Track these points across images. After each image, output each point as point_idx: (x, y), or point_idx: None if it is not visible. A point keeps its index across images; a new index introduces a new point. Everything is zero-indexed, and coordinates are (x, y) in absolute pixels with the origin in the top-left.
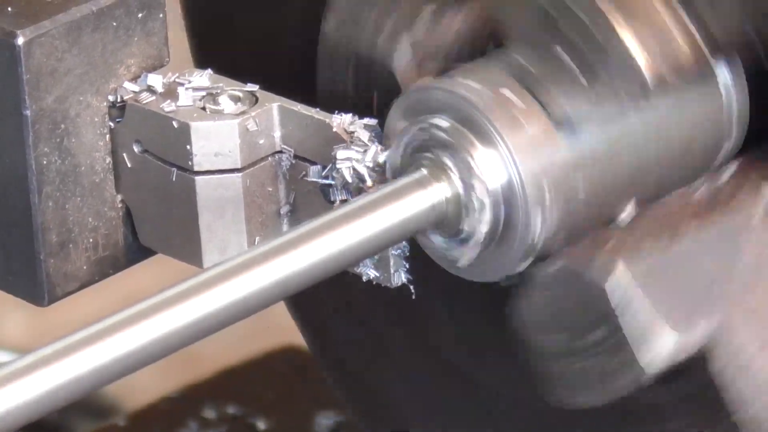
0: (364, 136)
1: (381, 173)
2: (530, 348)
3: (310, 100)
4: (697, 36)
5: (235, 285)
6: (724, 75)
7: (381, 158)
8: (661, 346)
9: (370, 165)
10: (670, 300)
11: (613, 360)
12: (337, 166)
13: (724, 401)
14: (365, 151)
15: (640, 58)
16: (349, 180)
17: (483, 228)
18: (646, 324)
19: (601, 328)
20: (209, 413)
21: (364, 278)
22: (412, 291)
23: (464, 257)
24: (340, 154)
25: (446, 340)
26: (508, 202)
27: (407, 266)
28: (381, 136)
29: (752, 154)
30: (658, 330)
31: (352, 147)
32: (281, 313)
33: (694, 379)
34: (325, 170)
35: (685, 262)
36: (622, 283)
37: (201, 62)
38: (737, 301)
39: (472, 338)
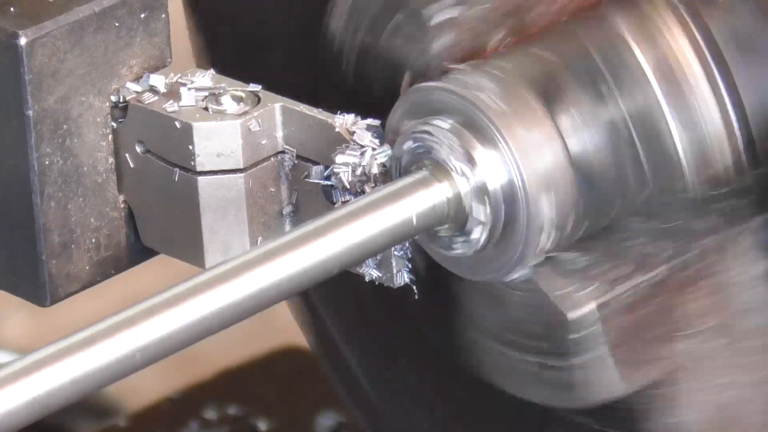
0: (363, 138)
1: (382, 174)
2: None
3: (310, 100)
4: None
5: (236, 285)
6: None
7: (379, 162)
8: (608, 386)
9: (368, 169)
10: (625, 344)
11: (556, 385)
12: (335, 170)
13: None
14: (362, 154)
15: (650, 71)
16: (347, 186)
17: (483, 228)
18: (598, 367)
19: (554, 351)
20: (210, 414)
21: (367, 278)
22: (415, 291)
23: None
24: (339, 158)
25: (447, 340)
26: (509, 203)
27: (410, 266)
28: (382, 136)
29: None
30: (607, 377)
31: (349, 151)
32: (282, 313)
33: None
34: (327, 171)
35: (648, 300)
36: (588, 321)
37: (206, 62)
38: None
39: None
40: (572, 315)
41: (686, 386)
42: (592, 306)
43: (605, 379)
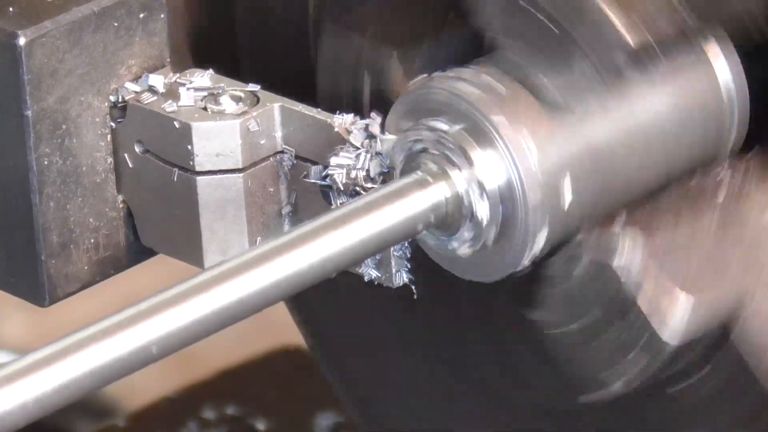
0: (359, 139)
1: (381, 174)
2: (549, 340)
3: (310, 100)
4: (681, 8)
5: (235, 285)
6: (716, 54)
7: (374, 166)
8: (678, 316)
9: (363, 173)
10: (682, 273)
11: (634, 339)
12: (330, 172)
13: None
14: (357, 156)
15: (623, 28)
16: (342, 188)
17: (482, 227)
18: (660, 295)
19: (618, 309)
20: (209, 414)
21: (366, 279)
22: (414, 291)
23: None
24: (333, 160)
25: (447, 340)
26: (507, 202)
27: (409, 266)
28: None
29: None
30: (673, 301)
31: (343, 153)
32: (281, 313)
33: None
34: (324, 172)
35: (696, 240)
36: (631, 260)
37: (201, 62)
38: (754, 273)
39: (473, 338)
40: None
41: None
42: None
43: (675, 313)
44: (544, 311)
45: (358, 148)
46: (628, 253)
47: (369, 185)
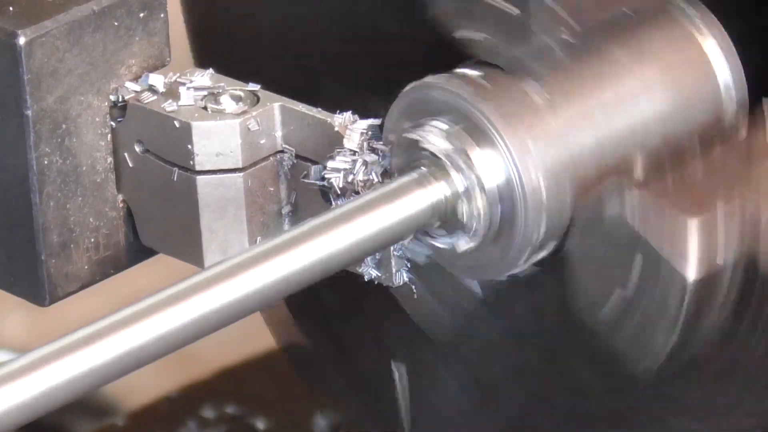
0: (355, 142)
1: (381, 174)
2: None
3: (310, 100)
4: None
5: (234, 284)
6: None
7: (371, 171)
8: (691, 247)
9: (360, 177)
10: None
11: (657, 282)
12: (326, 176)
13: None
14: (354, 161)
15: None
16: (339, 192)
17: (480, 226)
18: (673, 235)
19: (637, 258)
20: (208, 413)
21: (366, 278)
22: (414, 290)
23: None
24: (330, 164)
25: (448, 338)
26: (507, 201)
27: (409, 266)
28: (379, 138)
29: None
30: (686, 232)
31: (339, 157)
32: (280, 312)
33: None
34: (322, 172)
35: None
36: (637, 207)
37: (201, 62)
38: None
39: (474, 336)
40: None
41: None
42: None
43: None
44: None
45: (354, 152)
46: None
47: (367, 187)
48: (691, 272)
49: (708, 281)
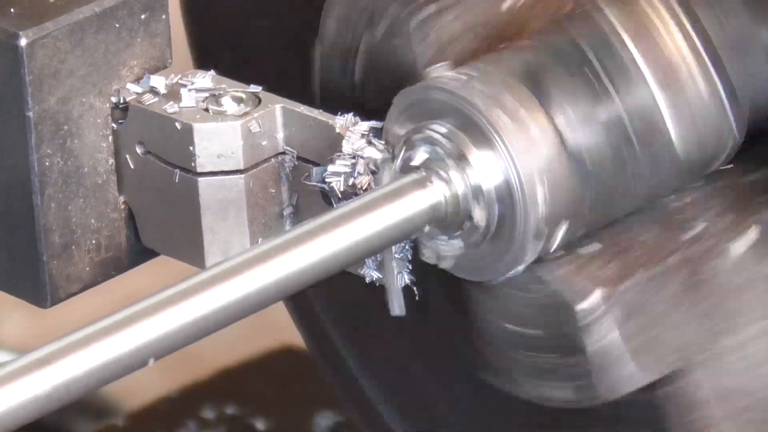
0: (354, 145)
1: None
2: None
3: (310, 101)
4: (699, 44)
5: (234, 284)
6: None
7: (371, 173)
8: (621, 378)
9: (359, 181)
10: (638, 333)
11: (572, 379)
12: (327, 180)
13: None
14: (354, 164)
15: (646, 67)
16: (339, 195)
17: (479, 225)
18: (610, 353)
19: (566, 347)
20: (208, 413)
21: (368, 280)
22: (415, 292)
23: (451, 253)
24: (330, 168)
25: (446, 339)
26: (506, 203)
27: (410, 268)
28: (379, 139)
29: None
30: (622, 364)
31: (339, 161)
32: (280, 313)
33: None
34: (323, 174)
35: (660, 293)
36: (595, 310)
37: (201, 64)
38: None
39: (473, 337)
40: (580, 306)
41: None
42: (597, 295)
43: (622, 369)
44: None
45: (354, 156)
46: (594, 305)
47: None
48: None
49: None
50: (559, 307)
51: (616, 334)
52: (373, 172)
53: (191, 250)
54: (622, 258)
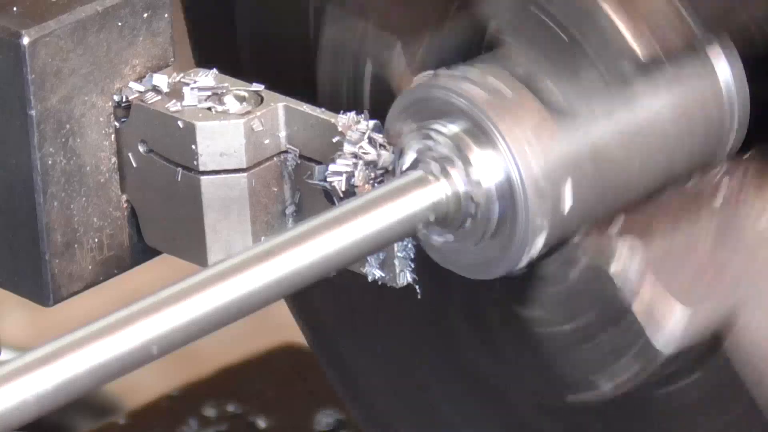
0: (356, 144)
1: (383, 174)
2: (541, 339)
3: (310, 101)
4: (689, 18)
5: (237, 282)
6: (720, 60)
7: (373, 171)
8: (673, 325)
9: (361, 179)
10: (678, 281)
11: (628, 344)
12: (328, 179)
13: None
14: (355, 164)
15: (632, 38)
16: (341, 194)
17: (482, 225)
18: (655, 304)
19: (611, 313)
20: (209, 411)
21: (370, 278)
22: (418, 291)
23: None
24: (331, 167)
25: (448, 338)
26: (507, 202)
27: (413, 266)
28: (380, 138)
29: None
30: (668, 309)
31: (340, 160)
32: (281, 311)
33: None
34: (325, 173)
35: (693, 247)
36: (629, 266)
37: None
38: (749, 284)
39: (475, 337)
40: (614, 267)
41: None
42: (624, 250)
43: (670, 315)
44: (537, 310)
45: (355, 156)
46: (625, 260)
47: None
48: (666, 347)
49: None
50: (598, 278)
51: (653, 281)
52: (375, 171)
53: (194, 249)
54: (646, 223)
